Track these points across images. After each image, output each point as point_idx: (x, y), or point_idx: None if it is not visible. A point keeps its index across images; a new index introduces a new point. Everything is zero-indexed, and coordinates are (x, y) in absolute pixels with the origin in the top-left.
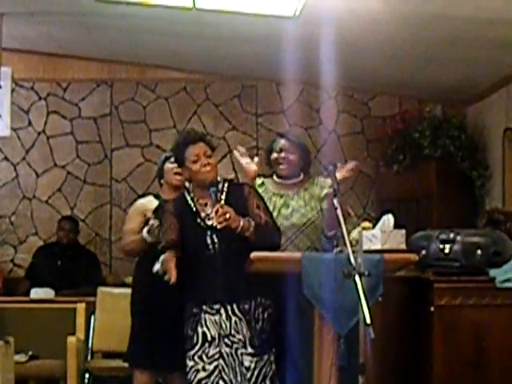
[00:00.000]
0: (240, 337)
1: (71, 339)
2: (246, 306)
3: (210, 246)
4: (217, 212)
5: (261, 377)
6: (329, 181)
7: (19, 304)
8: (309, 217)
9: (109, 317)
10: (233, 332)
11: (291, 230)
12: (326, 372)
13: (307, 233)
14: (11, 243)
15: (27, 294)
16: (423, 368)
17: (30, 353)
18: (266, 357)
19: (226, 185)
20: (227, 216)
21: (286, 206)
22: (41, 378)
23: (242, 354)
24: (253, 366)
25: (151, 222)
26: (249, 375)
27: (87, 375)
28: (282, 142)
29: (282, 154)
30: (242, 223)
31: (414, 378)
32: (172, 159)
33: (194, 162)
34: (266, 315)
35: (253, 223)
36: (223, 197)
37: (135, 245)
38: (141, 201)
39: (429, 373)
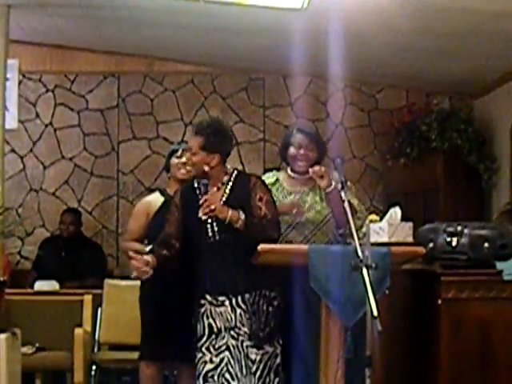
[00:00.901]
0: (245, 329)
1: (78, 331)
2: (250, 299)
3: (210, 235)
4: (203, 203)
5: (266, 370)
6: (336, 174)
7: (26, 296)
8: (325, 213)
9: (115, 309)
10: (238, 324)
11: (308, 227)
12: (333, 364)
13: (324, 230)
14: (18, 235)
15: (33, 285)
16: (430, 361)
17: (37, 345)
18: (271, 349)
19: (235, 174)
20: (212, 207)
21: (302, 202)
22: (47, 370)
23: (247, 347)
24: (258, 358)
25: (144, 257)
26: (254, 368)
27: (94, 367)
28: (301, 137)
29: (302, 151)
30: (229, 214)
31: (421, 370)
32: (178, 153)
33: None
34: (270, 308)
35: (243, 216)
36: (229, 186)
37: (127, 255)
38: (147, 198)
39: (435, 365)
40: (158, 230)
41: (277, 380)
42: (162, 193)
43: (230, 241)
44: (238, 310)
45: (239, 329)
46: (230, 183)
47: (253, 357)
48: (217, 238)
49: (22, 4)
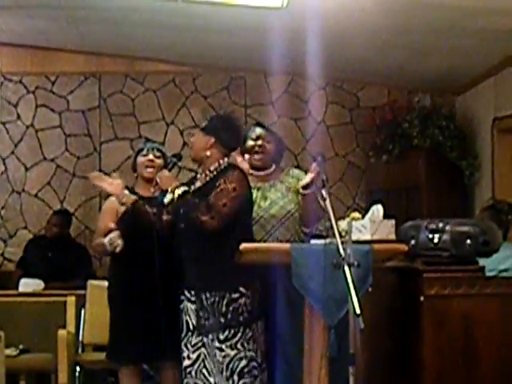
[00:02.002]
0: (209, 329)
1: (62, 333)
2: (211, 298)
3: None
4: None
5: (229, 371)
6: (303, 173)
7: (9, 298)
8: (288, 209)
9: (99, 310)
10: (206, 323)
11: (270, 222)
12: (316, 363)
13: (287, 225)
14: (1, 237)
15: (18, 283)
16: (413, 357)
17: (21, 346)
18: (232, 353)
19: (224, 166)
20: (158, 180)
21: (263, 198)
22: (31, 372)
23: (215, 347)
24: (221, 359)
25: (112, 234)
26: (220, 368)
27: (78, 368)
28: (259, 130)
29: (259, 142)
30: (170, 187)
31: (405, 367)
32: (144, 152)
33: None
34: (230, 309)
35: (180, 190)
36: (211, 175)
37: (100, 249)
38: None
39: (419, 362)
40: (126, 229)
41: (242, 382)
42: (130, 191)
43: (185, 233)
44: (207, 309)
45: (204, 327)
46: (215, 172)
47: (217, 357)
48: (180, 229)
49: (1, 5)
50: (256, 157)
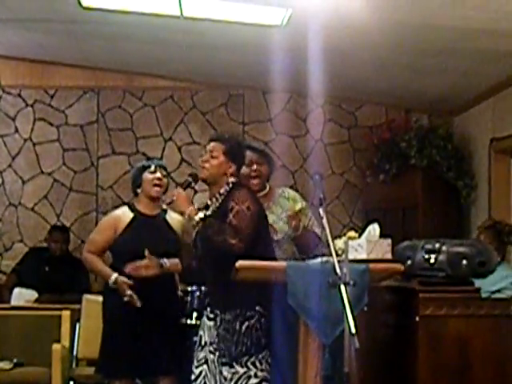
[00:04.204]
0: (222, 346)
1: (56, 347)
2: (228, 317)
3: (195, 249)
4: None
5: None
6: (298, 195)
7: (4, 311)
8: (285, 231)
9: (94, 324)
10: (217, 340)
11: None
12: (311, 381)
13: (284, 247)
14: None
15: (12, 290)
16: (408, 377)
17: (15, 360)
18: (241, 370)
19: (230, 186)
20: (174, 198)
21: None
22: None
23: (221, 364)
24: (229, 377)
25: (127, 291)
26: None
27: (72, 383)
28: (250, 154)
29: (254, 167)
30: (188, 211)
31: None
32: (152, 169)
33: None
34: (243, 327)
35: (201, 214)
36: (222, 197)
37: (95, 272)
38: (116, 212)
39: (414, 382)
40: (125, 246)
41: None
42: (131, 208)
43: (203, 255)
44: (222, 327)
45: (217, 344)
46: (224, 195)
47: (225, 374)
48: (198, 252)
49: (1, 19)
50: (254, 182)
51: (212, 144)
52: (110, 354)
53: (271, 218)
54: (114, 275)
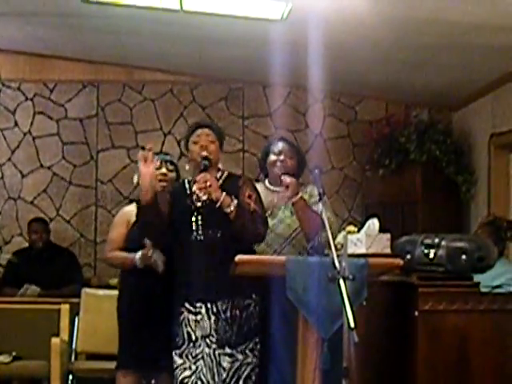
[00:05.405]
0: (218, 337)
1: (55, 340)
2: (223, 305)
3: (194, 228)
4: (199, 180)
5: (235, 377)
6: (315, 189)
7: (3, 304)
8: (295, 227)
9: (93, 318)
10: (212, 332)
11: (277, 241)
12: (310, 375)
13: (294, 244)
14: None
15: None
16: (407, 372)
17: (14, 353)
18: (241, 357)
19: (225, 174)
20: (208, 183)
21: (271, 216)
22: (24, 379)
23: (219, 355)
24: (229, 366)
25: (150, 251)
26: (224, 375)
27: (71, 377)
28: (282, 144)
29: (281, 157)
30: (223, 196)
31: (398, 381)
32: (157, 164)
33: (194, 143)
34: (244, 315)
35: (236, 201)
36: (220, 181)
37: (121, 263)
38: (126, 208)
39: (412, 377)
40: (134, 241)
41: None
42: (139, 203)
43: (213, 240)
44: (213, 317)
45: (213, 336)
46: (221, 181)
47: (224, 364)
48: (200, 237)
49: (0, 12)
50: (276, 170)
51: (205, 130)
52: (124, 346)
53: (283, 214)
54: (138, 254)
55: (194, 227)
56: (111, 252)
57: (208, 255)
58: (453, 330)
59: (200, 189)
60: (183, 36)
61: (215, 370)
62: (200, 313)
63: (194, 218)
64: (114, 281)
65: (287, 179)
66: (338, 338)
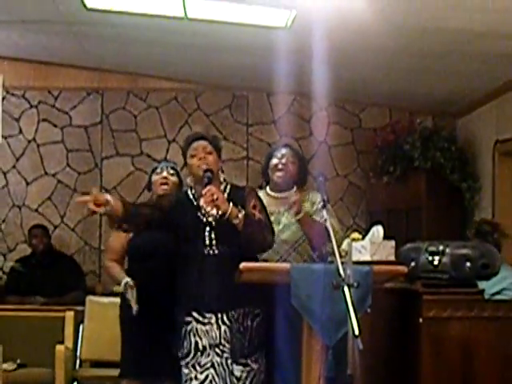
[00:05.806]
0: (230, 346)
1: (60, 348)
2: (235, 315)
3: (207, 243)
4: (206, 194)
5: None
6: (319, 196)
7: (8, 312)
8: (300, 234)
9: (97, 326)
10: (223, 341)
11: (283, 247)
12: (314, 382)
13: (299, 250)
14: (0, 251)
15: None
16: (411, 379)
17: (19, 361)
18: (255, 366)
19: (229, 186)
20: (215, 197)
21: (276, 222)
22: None
23: (232, 364)
24: (244, 375)
25: (127, 285)
26: None
27: None
28: (285, 150)
29: (283, 161)
30: (230, 208)
31: None
32: (158, 170)
33: (192, 156)
34: (255, 324)
35: (243, 212)
36: (225, 194)
37: (111, 278)
38: None
39: None
40: (136, 248)
41: None
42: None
43: (228, 253)
44: (223, 327)
45: (224, 346)
46: (226, 193)
47: (238, 374)
48: (214, 252)
49: (5, 20)
50: (278, 173)
51: (201, 142)
52: (127, 354)
53: (288, 220)
54: (124, 281)
55: (207, 242)
56: (109, 262)
57: (220, 268)
58: (457, 337)
59: (207, 202)
60: (188, 44)
61: (228, 380)
62: (210, 323)
63: (207, 234)
64: (119, 288)
65: (293, 197)
66: (342, 345)
